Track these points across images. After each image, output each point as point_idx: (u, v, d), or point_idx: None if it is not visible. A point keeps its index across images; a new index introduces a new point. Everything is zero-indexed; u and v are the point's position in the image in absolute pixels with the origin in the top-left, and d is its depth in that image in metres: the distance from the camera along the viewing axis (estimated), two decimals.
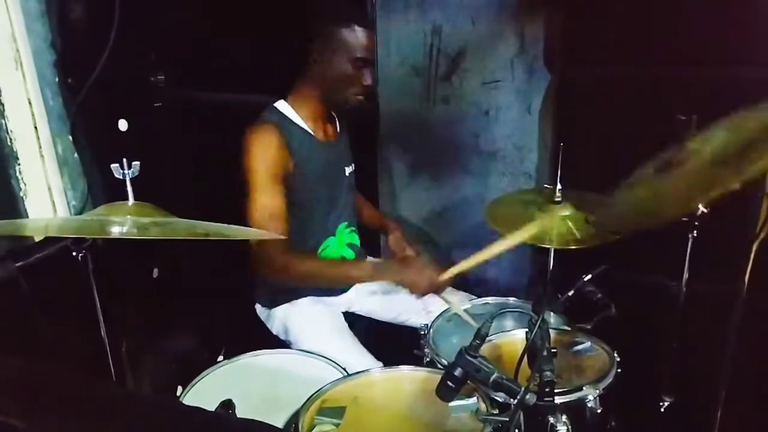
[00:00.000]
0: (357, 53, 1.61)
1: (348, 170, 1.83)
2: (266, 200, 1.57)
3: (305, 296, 1.77)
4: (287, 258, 1.59)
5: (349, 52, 1.60)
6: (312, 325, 1.70)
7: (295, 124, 1.68)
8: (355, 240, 1.88)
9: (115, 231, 1.08)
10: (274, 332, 1.78)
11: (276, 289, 1.78)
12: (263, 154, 1.57)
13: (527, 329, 1.14)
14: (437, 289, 1.60)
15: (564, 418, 1.11)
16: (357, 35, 1.60)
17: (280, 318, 1.76)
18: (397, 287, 1.61)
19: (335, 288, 1.76)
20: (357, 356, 1.58)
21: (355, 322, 1.87)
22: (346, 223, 1.83)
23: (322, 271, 1.65)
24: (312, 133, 1.70)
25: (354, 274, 1.67)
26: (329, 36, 1.60)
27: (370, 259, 1.89)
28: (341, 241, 1.82)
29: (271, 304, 1.79)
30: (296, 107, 1.69)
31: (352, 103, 1.68)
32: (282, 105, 1.69)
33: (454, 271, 1.60)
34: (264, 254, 1.57)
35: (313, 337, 1.64)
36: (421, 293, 1.57)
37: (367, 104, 1.71)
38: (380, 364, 1.57)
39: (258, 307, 1.84)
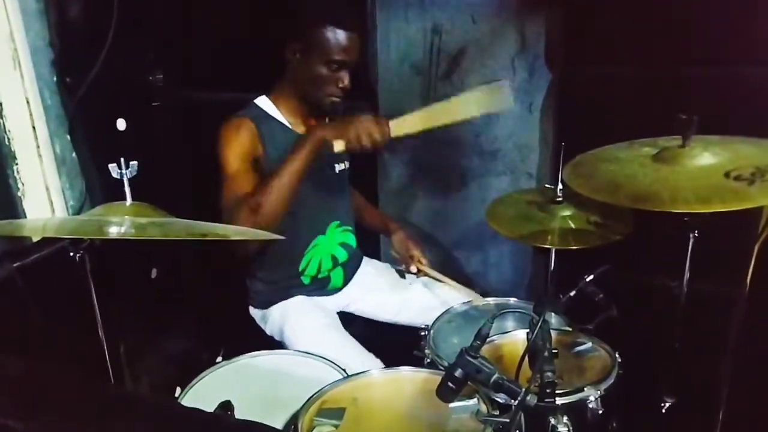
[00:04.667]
0: (333, 55, 1.57)
1: (338, 167, 1.81)
2: (237, 184, 1.56)
3: (297, 295, 1.77)
4: (255, 196, 1.51)
5: (324, 54, 1.57)
6: (306, 324, 1.69)
7: (273, 118, 1.68)
8: (350, 240, 1.87)
9: (113, 231, 1.07)
10: (269, 333, 1.77)
11: (268, 289, 1.77)
12: (234, 144, 1.59)
13: (528, 330, 1.14)
14: (383, 140, 1.51)
15: (565, 419, 1.11)
16: (334, 37, 1.57)
17: (274, 319, 1.76)
18: (345, 147, 1.52)
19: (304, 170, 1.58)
20: (353, 354, 1.58)
21: (354, 322, 1.87)
22: (337, 222, 1.81)
23: (283, 176, 1.52)
24: (291, 127, 1.69)
25: (304, 153, 1.53)
26: (305, 35, 1.58)
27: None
28: (332, 240, 1.80)
29: (264, 305, 1.79)
30: (276, 102, 1.69)
31: (327, 104, 1.66)
32: (262, 100, 1.70)
33: (401, 123, 1.54)
34: (236, 206, 1.51)
35: (308, 335, 1.64)
36: (365, 144, 1.49)
37: (344, 102, 1.67)
38: (378, 361, 1.57)
39: (252, 309, 1.83)
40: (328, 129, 1.55)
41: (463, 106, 1.57)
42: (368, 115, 1.54)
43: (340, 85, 1.63)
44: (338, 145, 1.52)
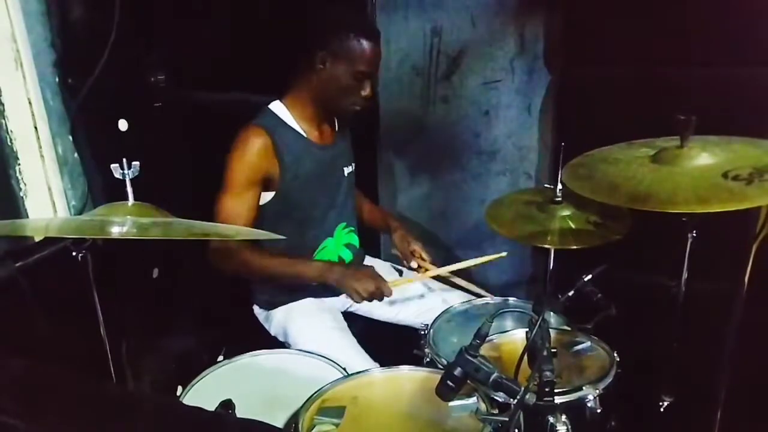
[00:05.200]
0: (361, 66, 1.60)
1: (347, 170, 1.83)
2: (234, 204, 1.61)
3: (305, 298, 1.78)
4: (247, 254, 1.63)
5: (353, 64, 1.59)
6: (311, 327, 1.70)
7: (288, 126, 1.68)
8: (354, 240, 1.88)
9: (115, 231, 1.08)
10: (273, 334, 1.78)
11: (274, 291, 1.78)
12: (243, 158, 1.60)
13: (527, 329, 1.14)
14: (380, 298, 1.62)
15: (564, 418, 1.12)
16: (364, 48, 1.59)
17: (279, 320, 1.76)
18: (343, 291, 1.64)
19: (292, 282, 1.75)
20: (357, 358, 1.58)
21: (354, 321, 1.87)
22: (344, 223, 1.83)
23: (277, 269, 1.66)
24: (305, 134, 1.70)
25: (306, 274, 1.67)
26: (336, 45, 1.60)
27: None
28: (339, 242, 1.82)
29: (269, 305, 1.79)
30: (291, 109, 1.70)
31: (349, 112, 1.69)
32: (276, 106, 1.70)
33: (400, 282, 1.72)
34: (225, 249, 1.62)
35: (313, 339, 1.64)
36: (360, 300, 1.60)
37: (364, 111, 1.71)
38: (378, 366, 1.57)
39: (256, 309, 1.84)
40: (338, 276, 1.62)
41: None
42: (369, 273, 1.63)
43: (363, 94, 1.65)
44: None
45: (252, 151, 1.60)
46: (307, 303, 1.77)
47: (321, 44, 1.61)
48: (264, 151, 1.61)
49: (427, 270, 1.83)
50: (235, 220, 1.60)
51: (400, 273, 1.96)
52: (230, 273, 1.68)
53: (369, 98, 1.67)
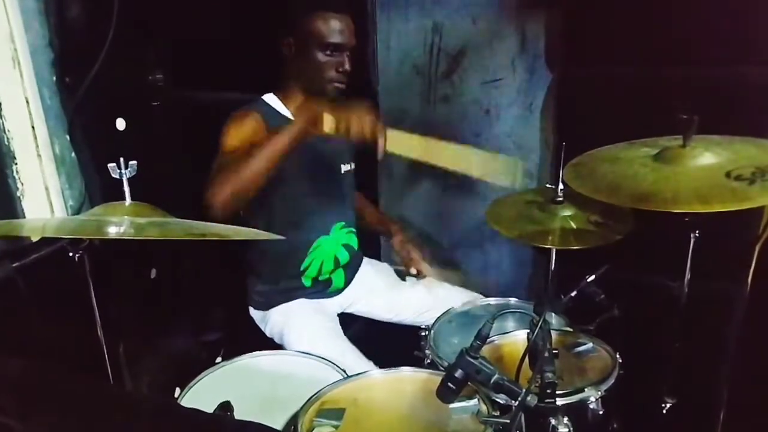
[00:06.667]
0: (326, 39, 1.59)
1: (344, 168, 1.81)
2: (228, 159, 1.50)
3: (299, 299, 1.76)
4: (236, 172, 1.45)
5: (319, 39, 1.59)
6: (307, 328, 1.69)
7: (281, 114, 1.68)
8: (353, 242, 1.87)
9: (113, 231, 1.07)
10: (269, 335, 1.77)
11: (270, 291, 1.77)
12: (237, 130, 1.57)
13: (529, 330, 1.13)
14: (371, 134, 1.43)
15: (565, 419, 1.11)
16: (326, 21, 1.59)
17: (274, 321, 1.75)
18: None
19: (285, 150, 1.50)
20: (352, 360, 1.57)
21: (354, 322, 1.87)
22: (342, 223, 1.81)
23: (261, 158, 1.44)
24: None
25: (285, 136, 1.45)
26: (299, 26, 1.60)
27: None
28: (336, 241, 1.80)
29: (265, 306, 1.78)
30: (284, 100, 1.70)
31: (331, 92, 1.65)
32: (270, 97, 1.71)
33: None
34: (214, 182, 1.46)
35: (308, 340, 1.63)
36: (353, 128, 1.42)
37: (347, 87, 1.67)
38: (375, 367, 1.56)
39: (252, 310, 1.83)
40: (321, 106, 1.45)
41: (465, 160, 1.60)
42: (363, 107, 1.45)
43: (341, 70, 1.63)
44: (328, 123, 1.45)
45: (244, 125, 1.59)
46: (302, 304, 1.76)
47: (284, 27, 1.62)
48: (256, 126, 1.60)
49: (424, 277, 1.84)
50: (229, 178, 1.44)
51: (400, 275, 1.95)
52: (230, 207, 1.47)
53: (348, 73, 1.64)
